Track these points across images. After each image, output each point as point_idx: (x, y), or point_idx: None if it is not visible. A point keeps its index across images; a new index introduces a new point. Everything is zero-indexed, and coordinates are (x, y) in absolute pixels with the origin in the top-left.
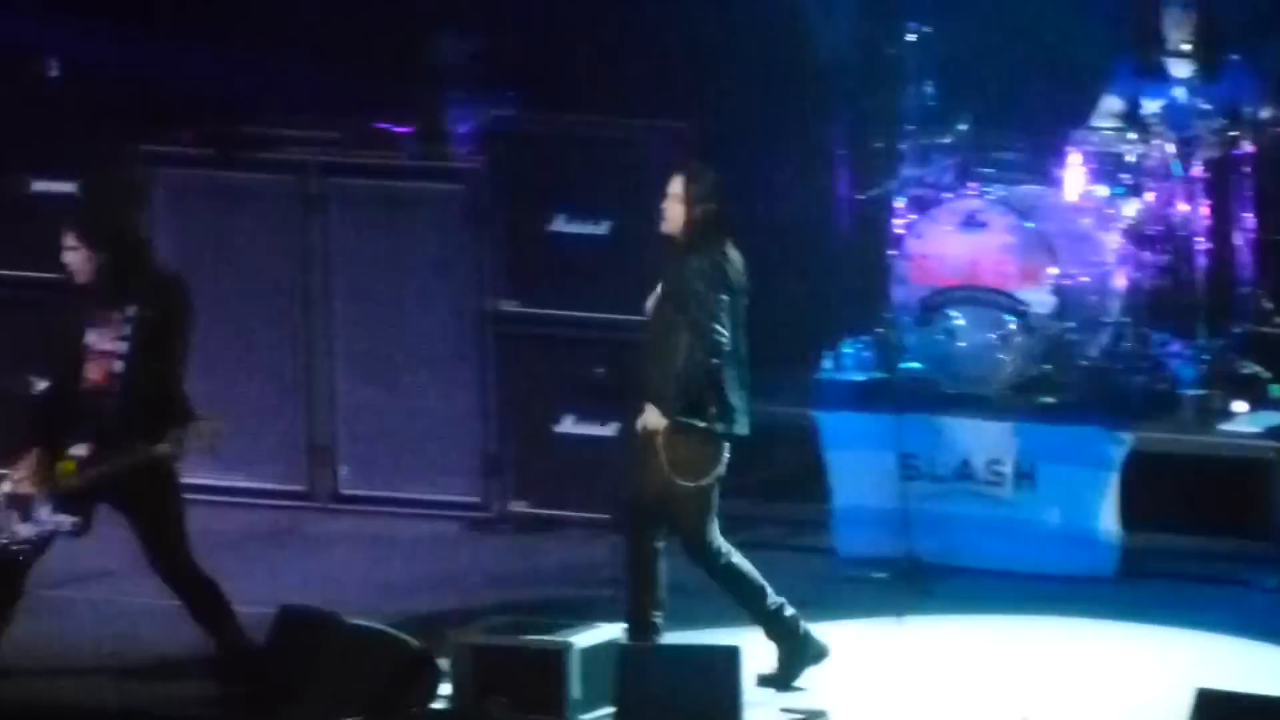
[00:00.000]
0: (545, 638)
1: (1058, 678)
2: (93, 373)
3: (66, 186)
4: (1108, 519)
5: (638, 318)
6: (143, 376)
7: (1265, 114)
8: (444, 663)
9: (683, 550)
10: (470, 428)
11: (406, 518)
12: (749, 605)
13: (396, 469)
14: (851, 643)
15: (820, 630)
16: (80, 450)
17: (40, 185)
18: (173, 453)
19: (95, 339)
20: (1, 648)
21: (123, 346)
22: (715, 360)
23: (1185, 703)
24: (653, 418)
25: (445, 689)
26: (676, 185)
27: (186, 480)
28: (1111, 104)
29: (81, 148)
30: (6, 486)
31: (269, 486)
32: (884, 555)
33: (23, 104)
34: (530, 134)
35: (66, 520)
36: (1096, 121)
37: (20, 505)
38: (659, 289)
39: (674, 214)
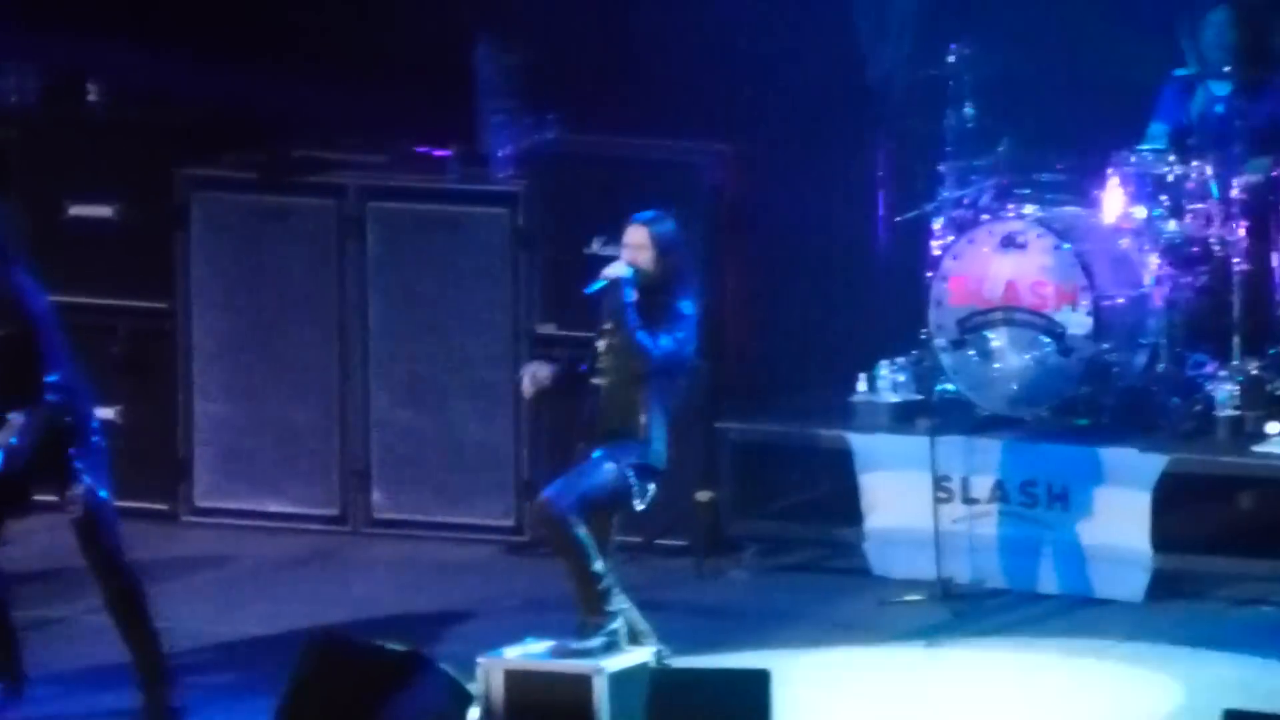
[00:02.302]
0: (576, 662)
1: (1088, 700)
2: None
3: (105, 210)
4: (1141, 540)
5: None
6: None
7: None
8: (475, 687)
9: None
10: (506, 451)
11: (441, 542)
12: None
13: (432, 493)
14: (886, 665)
15: (854, 653)
16: None
17: (77, 209)
18: None
19: None
20: None
21: None
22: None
23: None
24: None
25: (475, 713)
26: (640, 235)
27: (223, 505)
28: (1160, 131)
29: (120, 172)
30: None
31: (304, 511)
32: (918, 577)
33: (63, 127)
34: (572, 156)
35: None
36: (1147, 145)
37: None
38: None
39: (643, 262)
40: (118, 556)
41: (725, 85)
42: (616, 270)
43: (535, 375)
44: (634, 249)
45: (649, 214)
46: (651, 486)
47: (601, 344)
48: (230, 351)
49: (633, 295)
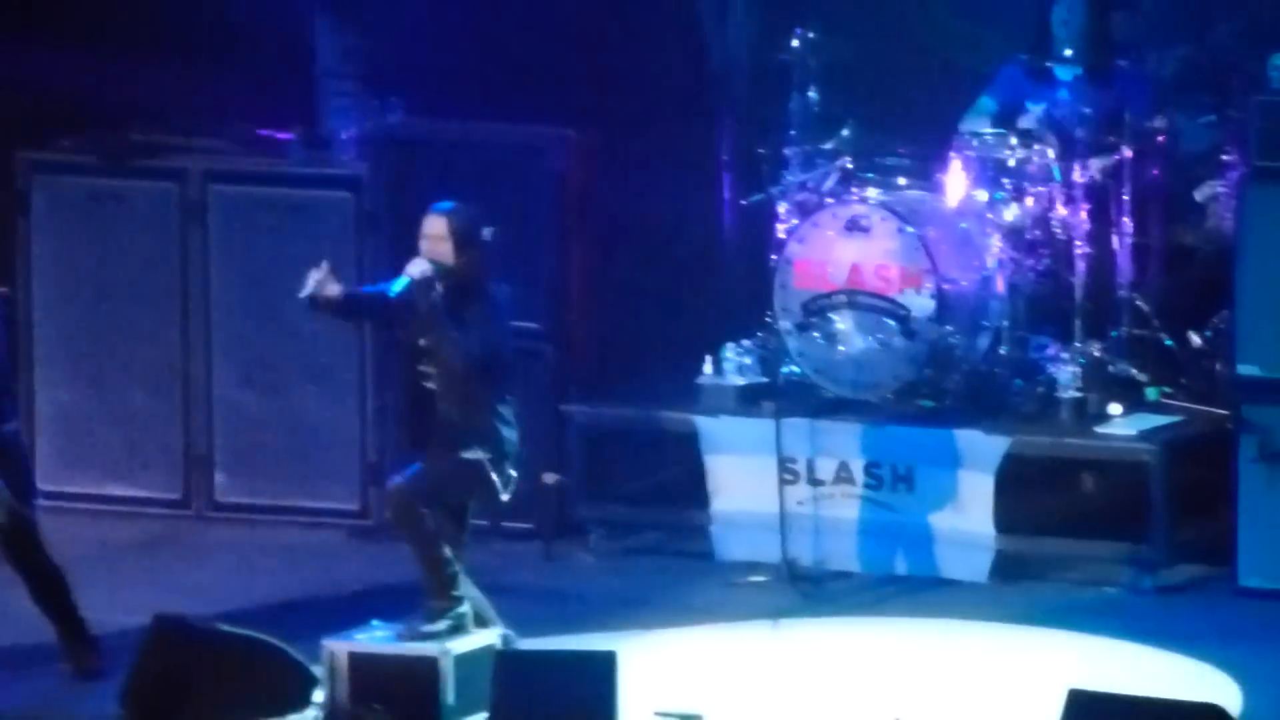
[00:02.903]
0: (421, 645)
1: (932, 680)
2: None
3: None
4: (984, 522)
5: (525, 324)
6: None
7: (1146, 120)
8: (320, 670)
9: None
10: (351, 435)
11: (285, 526)
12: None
13: (276, 477)
14: (730, 646)
15: (700, 634)
16: None
17: None
18: None
19: None
20: None
21: None
22: None
23: (1057, 704)
24: None
25: (319, 696)
26: (439, 226)
27: (66, 489)
28: (987, 106)
29: None
30: None
31: (147, 495)
32: (763, 559)
33: None
34: (416, 139)
35: None
36: (970, 123)
37: None
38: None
39: (443, 253)
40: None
41: (571, 70)
42: (418, 269)
43: (321, 282)
44: (433, 240)
45: (447, 204)
46: (512, 474)
47: (422, 342)
48: (72, 336)
49: (439, 292)
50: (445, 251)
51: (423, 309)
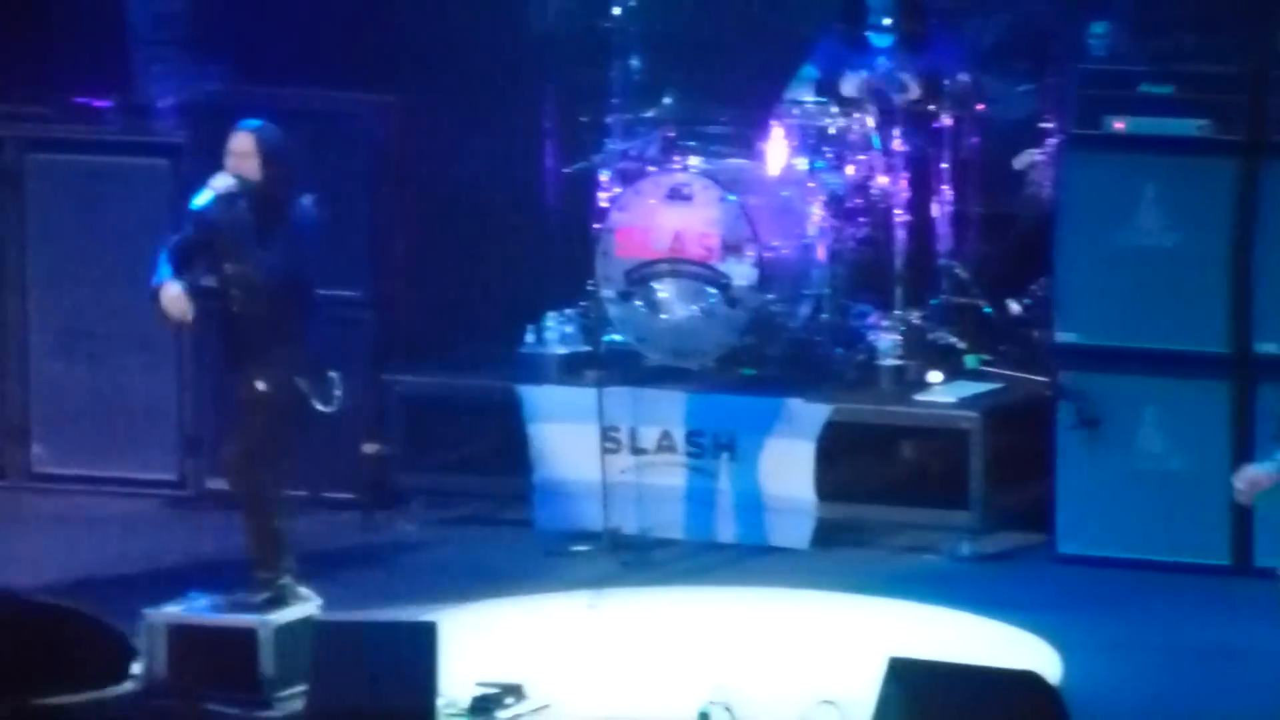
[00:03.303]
0: (241, 616)
1: (754, 647)
2: None
3: None
4: (806, 489)
5: (345, 293)
6: None
7: (965, 87)
8: (139, 642)
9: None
10: (169, 406)
11: (103, 496)
12: None
13: (93, 447)
14: (551, 616)
15: (522, 604)
16: None
17: None
18: None
19: None
20: None
21: None
22: None
23: (878, 671)
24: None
25: (137, 668)
26: (245, 142)
27: None
28: (810, 75)
29: None
30: None
31: None
32: (585, 528)
33: None
34: (236, 106)
35: None
36: (794, 93)
37: None
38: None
39: (248, 170)
40: None
41: (391, 36)
42: (223, 183)
43: (181, 307)
44: (239, 157)
45: (255, 121)
46: (332, 376)
47: (227, 268)
48: None
49: (243, 208)
50: (252, 168)
51: (225, 225)
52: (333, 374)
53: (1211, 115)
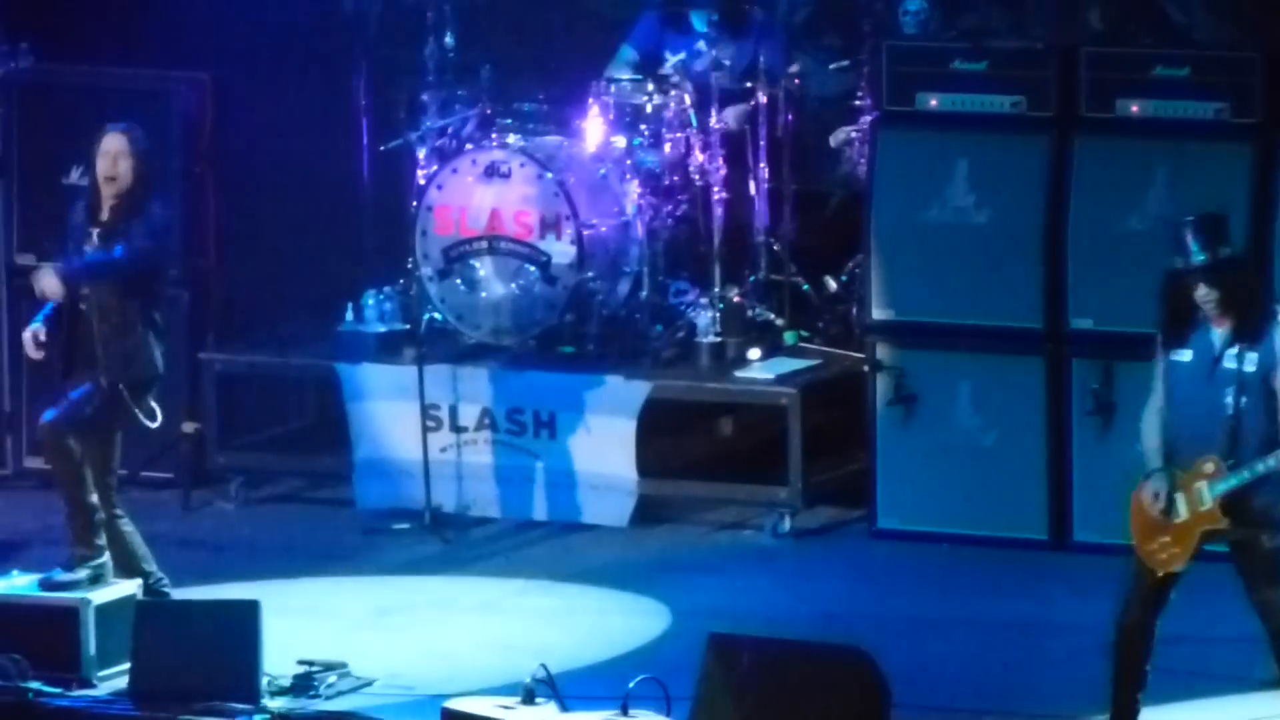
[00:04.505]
0: (61, 595)
1: (576, 624)
2: None
3: None
4: (626, 467)
5: None
6: None
7: (780, 66)
8: None
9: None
10: None
11: None
12: None
13: None
14: (374, 594)
15: (342, 582)
16: None
17: None
18: None
19: None
20: None
21: None
22: None
23: (700, 647)
24: None
25: None
26: (119, 143)
27: None
28: (629, 55)
29: None
30: None
31: None
32: (406, 507)
33: None
34: (47, 84)
35: None
36: (613, 73)
37: None
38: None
39: (123, 170)
40: None
41: (204, 13)
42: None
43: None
44: (113, 157)
45: (121, 123)
46: (153, 402)
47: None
48: None
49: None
50: (126, 169)
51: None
52: (154, 404)
53: (1023, 92)
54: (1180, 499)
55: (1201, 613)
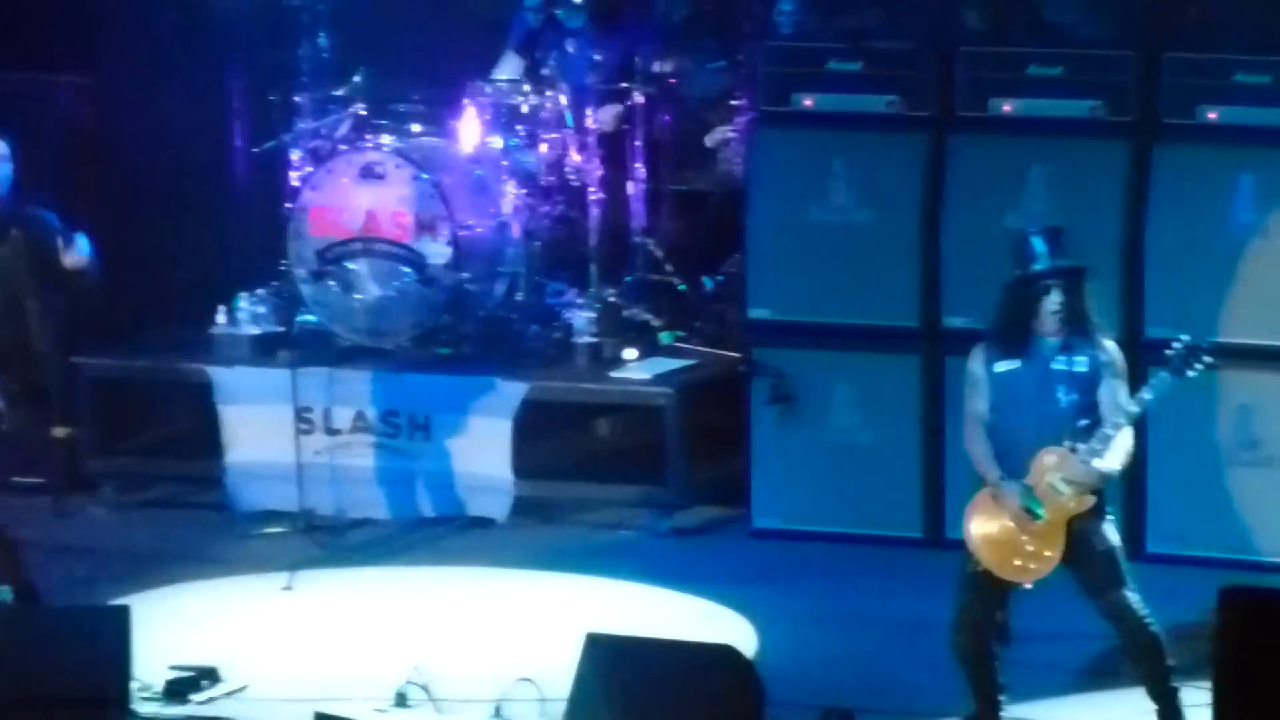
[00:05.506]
0: None
1: (452, 625)
2: None
3: None
4: (503, 468)
5: None
6: None
7: (656, 66)
8: None
9: None
10: None
11: None
12: None
13: None
14: (246, 598)
15: (216, 587)
16: None
17: None
18: None
19: None
20: None
21: None
22: None
23: (577, 647)
24: None
25: None
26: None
27: None
28: (512, 61)
29: None
30: None
31: None
32: (281, 509)
33: None
34: None
35: None
36: (498, 75)
37: None
38: None
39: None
40: None
41: (78, 15)
42: None
43: None
44: None
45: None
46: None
47: None
48: None
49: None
50: (7, 173)
51: None
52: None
53: (899, 92)
54: (1035, 501)
55: (1063, 608)
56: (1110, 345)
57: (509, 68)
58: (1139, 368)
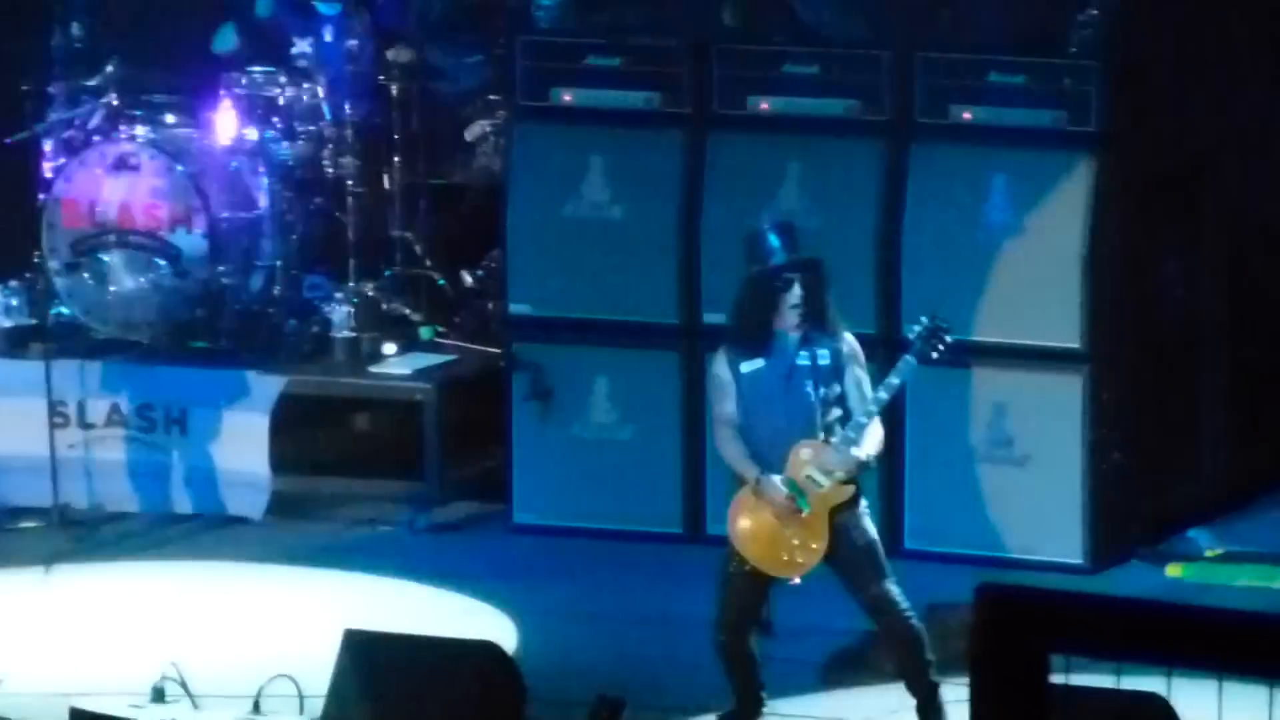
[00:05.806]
0: None
1: (210, 621)
2: None
3: None
4: (260, 462)
5: None
6: None
7: (411, 57)
8: None
9: None
10: None
11: None
12: None
13: None
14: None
15: None
16: None
17: None
18: None
19: None
20: None
21: None
22: None
23: (335, 644)
24: None
25: None
26: None
27: None
28: (229, 34)
29: None
30: None
31: None
32: (35, 504)
33: None
34: None
35: None
36: (217, 49)
37: None
38: None
39: None
40: None
41: None
42: None
43: None
44: None
45: None
46: None
47: None
48: None
49: None
50: None
51: None
52: None
53: (657, 88)
54: (800, 493)
55: (822, 603)
56: (849, 337)
57: (225, 43)
58: (895, 365)
